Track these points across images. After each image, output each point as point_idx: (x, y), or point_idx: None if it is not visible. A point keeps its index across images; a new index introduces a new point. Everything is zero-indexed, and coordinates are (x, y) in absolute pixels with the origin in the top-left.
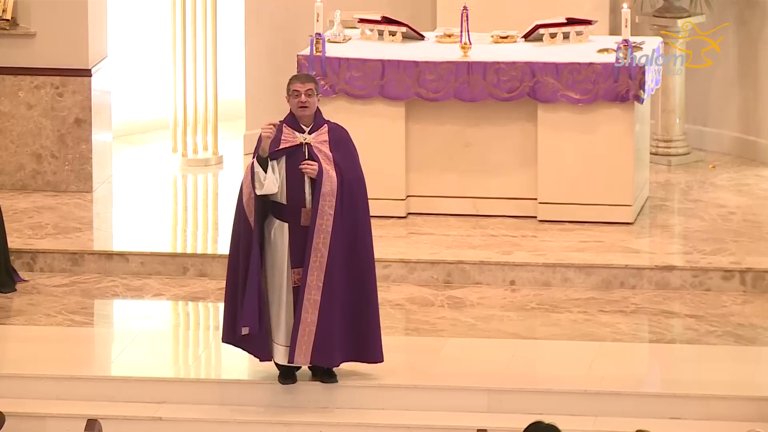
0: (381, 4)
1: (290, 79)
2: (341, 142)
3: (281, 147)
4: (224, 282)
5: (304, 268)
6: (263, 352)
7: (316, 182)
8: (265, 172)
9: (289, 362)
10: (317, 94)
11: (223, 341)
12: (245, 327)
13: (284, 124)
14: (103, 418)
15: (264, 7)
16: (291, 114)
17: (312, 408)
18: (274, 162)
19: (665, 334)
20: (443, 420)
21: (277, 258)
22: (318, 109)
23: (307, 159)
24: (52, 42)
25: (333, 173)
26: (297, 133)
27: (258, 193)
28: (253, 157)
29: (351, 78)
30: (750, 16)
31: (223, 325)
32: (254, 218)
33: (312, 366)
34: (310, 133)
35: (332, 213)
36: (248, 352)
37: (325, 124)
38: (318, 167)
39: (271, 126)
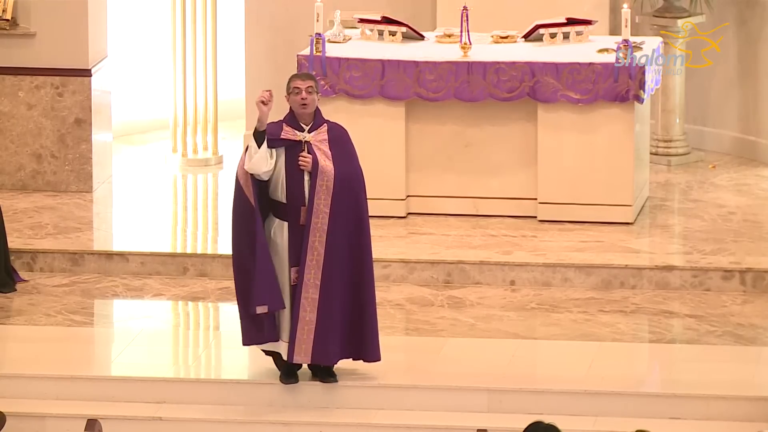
0: (381, 4)
1: (290, 78)
2: (340, 141)
3: (282, 138)
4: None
5: (301, 266)
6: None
7: (311, 180)
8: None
9: (287, 360)
10: (317, 93)
11: (244, 344)
12: (262, 306)
13: (284, 123)
14: (103, 418)
15: (264, 7)
16: (291, 113)
17: (312, 408)
18: (272, 149)
19: (665, 334)
20: (443, 420)
21: (277, 257)
22: (318, 108)
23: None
24: (52, 42)
25: (329, 170)
26: (297, 132)
27: (246, 167)
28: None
29: (351, 78)
30: (750, 16)
31: (243, 327)
32: (254, 198)
33: (312, 365)
34: (309, 131)
35: (328, 211)
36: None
37: (325, 123)
38: (313, 161)
39: (268, 92)
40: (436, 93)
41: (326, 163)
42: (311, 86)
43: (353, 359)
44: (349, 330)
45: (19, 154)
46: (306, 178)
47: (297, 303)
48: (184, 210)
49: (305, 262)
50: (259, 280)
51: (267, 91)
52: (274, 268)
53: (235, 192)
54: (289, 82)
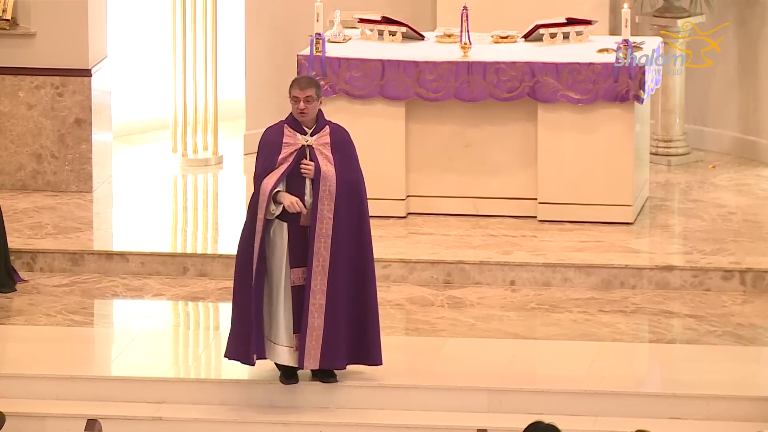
0: (381, 4)
1: (292, 83)
2: (342, 144)
3: (282, 155)
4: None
5: (307, 272)
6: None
7: (314, 185)
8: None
9: (299, 368)
10: (318, 98)
11: (227, 357)
12: (259, 357)
13: (285, 125)
14: (103, 418)
15: (264, 7)
16: (292, 115)
17: (312, 408)
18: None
19: (665, 334)
20: (443, 420)
21: (276, 257)
22: (320, 111)
23: (307, 159)
24: (52, 42)
25: (332, 175)
26: (298, 135)
27: (267, 217)
28: (256, 171)
29: (351, 78)
30: (750, 16)
31: (230, 340)
32: (261, 236)
33: None
34: (311, 135)
35: (331, 216)
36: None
37: (327, 126)
38: (315, 168)
39: (300, 209)
40: (436, 93)
41: (328, 168)
42: (310, 96)
43: (356, 363)
44: (353, 333)
45: (19, 154)
46: (307, 181)
47: (305, 308)
48: (184, 210)
49: (312, 269)
50: (257, 331)
51: (302, 208)
52: (263, 317)
53: (246, 225)
54: (290, 88)
